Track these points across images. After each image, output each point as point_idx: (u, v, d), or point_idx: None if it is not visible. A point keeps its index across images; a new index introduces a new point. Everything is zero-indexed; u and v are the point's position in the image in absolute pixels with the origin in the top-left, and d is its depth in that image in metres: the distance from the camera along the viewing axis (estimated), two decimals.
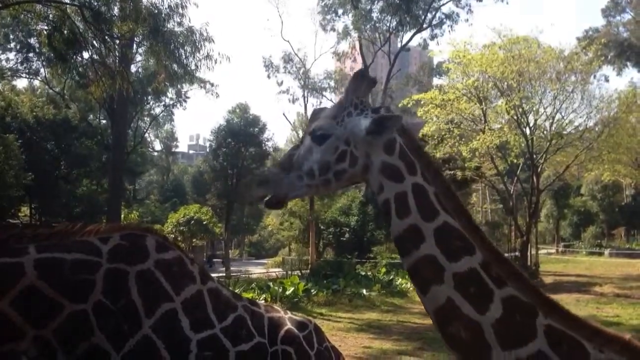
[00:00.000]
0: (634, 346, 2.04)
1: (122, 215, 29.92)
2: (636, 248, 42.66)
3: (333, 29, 41.45)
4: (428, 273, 2.07)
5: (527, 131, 24.31)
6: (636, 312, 15.92)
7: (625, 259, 35.77)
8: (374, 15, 38.85)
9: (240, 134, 37.48)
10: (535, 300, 2.04)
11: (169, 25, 20.37)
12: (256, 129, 38.54)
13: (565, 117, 25.15)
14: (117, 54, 20.13)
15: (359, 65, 46.61)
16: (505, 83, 23.60)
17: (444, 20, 38.57)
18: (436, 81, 44.37)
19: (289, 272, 27.77)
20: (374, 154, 2.19)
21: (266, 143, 39.73)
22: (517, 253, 26.62)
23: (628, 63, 50.04)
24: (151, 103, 38.12)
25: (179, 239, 33.33)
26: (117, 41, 18.90)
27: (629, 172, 32.94)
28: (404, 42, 41.35)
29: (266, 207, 2.34)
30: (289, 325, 3.61)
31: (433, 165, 2.23)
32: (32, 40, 28.68)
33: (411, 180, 2.15)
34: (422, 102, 24.78)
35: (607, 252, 41.40)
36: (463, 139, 24.74)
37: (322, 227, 35.55)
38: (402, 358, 10.99)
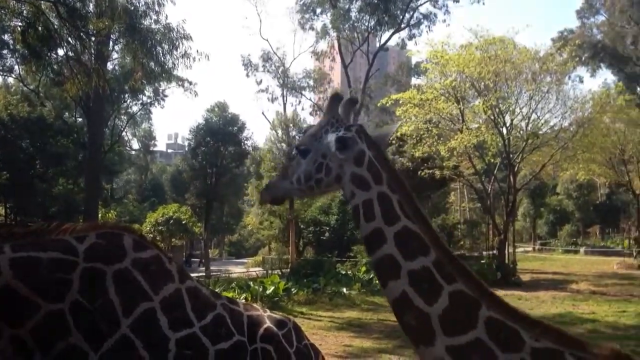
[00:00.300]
0: (568, 336, 2.26)
1: (100, 215, 29.57)
2: (611, 246, 43.43)
3: (312, 28, 41.45)
4: (387, 270, 2.39)
5: (504, 131, 24.48)
6: (611, 309, 16.21)
7: (601, 257, 36.28)
8: (353, 14, 38.96)
9: (219, 132, 37.28)
10: (480, 295, 2.29)
11: (145, 23, 20.17)
12: (235, 128, 38.39)
13: (540, 117, 25.42)
14: (93, 51, 19.87)
15: (337, 65, 46.71)
16: (482, 83, 23.76)
17: (422, 20, 38.88)
18: (414, 81, 44.45)
19: (269, 272, 27.76)
20: (346, 165, 2.56)
21: (245, 142, 39.66)
22: (494, 251, 26.88)
23: (602, 64, 50.78)
24: (128, 101, 37.68)
25: (158, 238, 33.08)
26: (93, 38, 18.65)
27: (603, 171, 33.39)
28: (382, 41, 41.50)
29: (271, 203, 2.88)
30: (268, 324, 3.61)
31: (397, 175, 2.55)
32: (6, 37, 28.06)
33: (377, 189, 2.48)
34: (400, 102, 24.85)
35: (582, 250, 41.98)
36: (441, 139, 24.83)
37: (302, 226, 35.56)
38: (382, 356, 11.05)
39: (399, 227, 2.39)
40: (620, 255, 34.11)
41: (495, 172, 26.82)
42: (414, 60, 44.35)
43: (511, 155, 24.73)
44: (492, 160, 26.19)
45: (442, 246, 2.39)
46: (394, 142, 26.76)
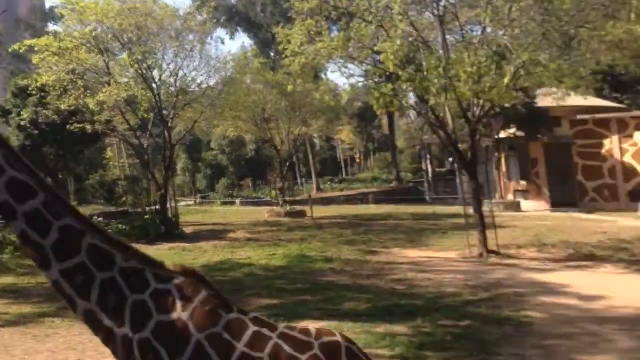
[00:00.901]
0: (150, 259, 3.01)
1: None
2: (262, 197, 47.07)
3: None
4: (7, 213, 2.91)
5: (154, 86, 24.48)
6: (264, 253, 18.06)
7: (254, 207, 38.74)
8: None
9: None
10: (85, 227, 2.93)
11: None
12: None
13: (188, 75, 25.86)
14: None
15: None
16: (126, 36, 23.28)
17: None
18: (52, 27, 40.56)
19: None
20: None
21: None
22: (157, 206, 27.05)
23: (239, 28, 55.05)
24: None
25: None
26: None
27: (250, 128, 35.12)
28: None
29: None
30: None
31: (1, 137, 3.02)
32: None
33: None
34: (37, 49, 22.57)
35: (238, 201, 44.62)
36: (89, 91, 23.45)
37: None
38: (44, 320, 10.81)
39: (7, 178, 2.87)
40: (270, 205, 36.54)
41: (150, 127, 26.72)
42: (47, 5, 40.22)
43: (164, 112, 24.86)
44: (146, 116, 25.90)
45: (49, 190, 2.96)
46: (34, 92, 24.31)
